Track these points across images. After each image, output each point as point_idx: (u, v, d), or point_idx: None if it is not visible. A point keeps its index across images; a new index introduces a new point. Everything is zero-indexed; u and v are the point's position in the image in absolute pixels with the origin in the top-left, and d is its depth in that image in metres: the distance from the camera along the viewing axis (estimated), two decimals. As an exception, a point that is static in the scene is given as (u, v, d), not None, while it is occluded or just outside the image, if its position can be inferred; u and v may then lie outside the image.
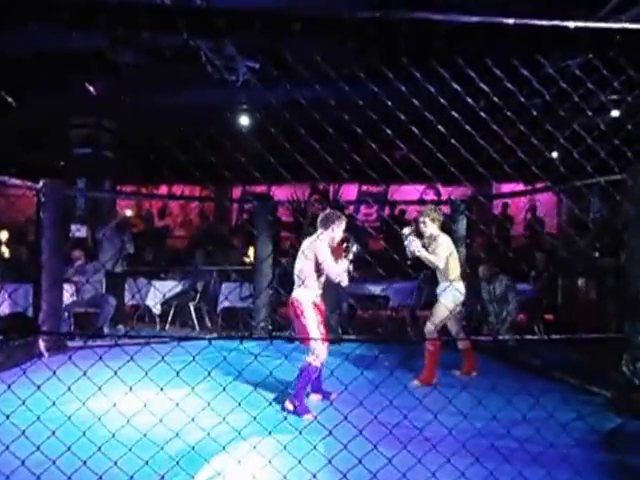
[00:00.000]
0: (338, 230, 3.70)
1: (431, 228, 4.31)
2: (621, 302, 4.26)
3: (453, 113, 1.97)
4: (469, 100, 2.00)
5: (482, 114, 2.06)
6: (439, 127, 2.01)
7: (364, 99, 2.07)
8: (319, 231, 3.72)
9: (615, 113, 6.90)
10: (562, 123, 2.39)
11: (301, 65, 1.91)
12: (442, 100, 1.95)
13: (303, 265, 3.61)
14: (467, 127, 2.02)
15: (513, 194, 7.02)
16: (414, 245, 4.11)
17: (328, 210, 3.89)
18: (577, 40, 1.56)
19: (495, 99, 2.01)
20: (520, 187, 7.90)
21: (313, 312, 3.57)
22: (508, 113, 2.09)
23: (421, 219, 4.34)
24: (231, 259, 7.60)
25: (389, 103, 1.98)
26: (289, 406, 3.39)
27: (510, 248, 8.39)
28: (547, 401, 2.98)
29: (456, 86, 1.92)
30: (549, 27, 1.56)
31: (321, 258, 3.55)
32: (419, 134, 2.03)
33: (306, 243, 3.70)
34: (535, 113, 2.14)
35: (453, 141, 2.04)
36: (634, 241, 3.85)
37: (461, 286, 4.39)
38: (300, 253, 3.69)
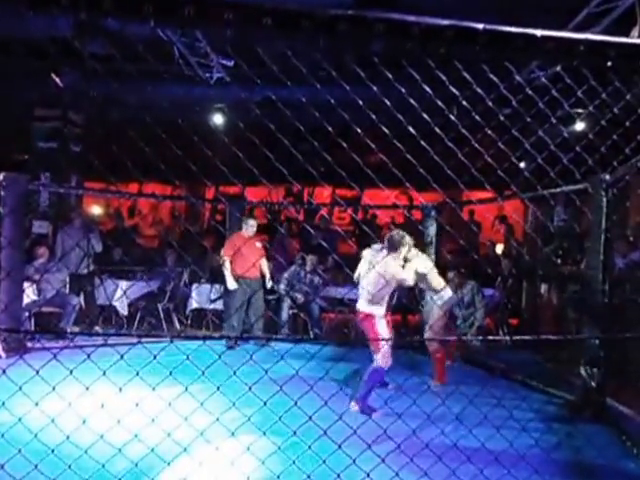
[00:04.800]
0: (404, 251, 3.96)
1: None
2: (580, 307, 4.40)
3: (424, 115, 1.99)
4: (439, 103, 2.03)
5: (452, 117, 2.10)
6: (410, 129, 2.03)
7: (340, 102, 2.07)
8: (389, 253, 3.87)
9: (580, 125, 7.15)
10: (529, 132, 2.46)
11: (275, 64, 1.89)
12: (412, 102, 1.97)
13: (379, 286, 3.79)
14: (437, 130, 2.05)
15: (482, 201, 7.17)
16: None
17: (394, 232, 4.05)
18: (543, 48, 1.60)
19: (465, 103, 2.04)
20: (487, 195, 8.09)
21: (385, 325, 3.95)
22: (477, 117, 2.13)
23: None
24: (202, 260, 7.48)
25: (360, 102, 1.98)
26: (354, 407, 3.77)
27: (478, 254, 8.57)
28: (508, 402, 3.04)
29: (426, 88, 1.94)
30: (517, 34, 1.60)
31: (419, 277, 4.02)
32: (390, 135, 2.04)
33: (381, 267, 3.77)
34: (503, 118, 2.18)
35: (423, 143, 2.06)
36: (593, 248, 3.99)
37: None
38: (374, 273, 3.81)
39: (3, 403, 2.09)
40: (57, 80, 6.07)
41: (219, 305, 6.66)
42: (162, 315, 6.66)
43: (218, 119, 8.00)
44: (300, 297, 6.62)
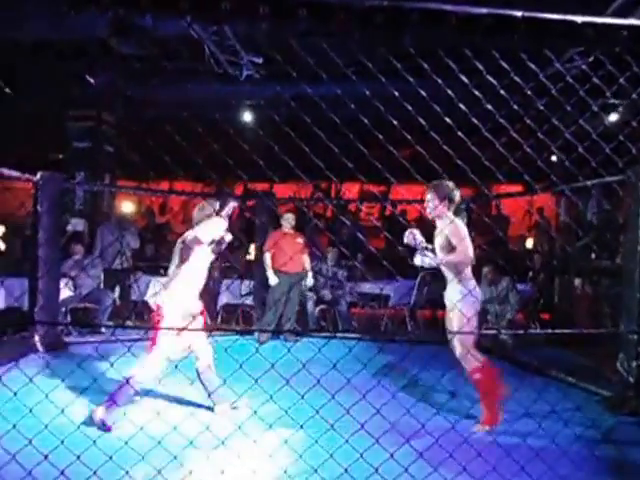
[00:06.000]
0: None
1: None
2: (615, 302, 4.26)
3: (461, 106, 1.95)
4: (476, 92, 1.99)
5: (489, 107, 2.05)
6: (447, 121, 1.99)
7: (368, 97, 2.05)
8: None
9: (613, 117, 6.90)
10: (565, 123, 2.38)
11: (304, 61, 1.89)
12: (450, 93, 1.94)
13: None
14: (474, 120, 2.01)
15: (514, 194, 7.01)
16: None
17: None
18: (584, 35, 1.55)
19: (502, 92, 1.99)
20: (514, 188, 7.88)
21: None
22: (515, 107, 2.08)
23: None
24: (234, 256, 7.58)
25: (396, 94, 1.96)
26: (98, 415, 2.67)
27: (508, 248, 8.41)
28: (545, 398, 2.97)
29: (463, 78, 1.91)
30: (557, 21, 1.55)
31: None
32: (427, 128, 2.01)
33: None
34: (542, 107, 2.13)
35: (460, 134, 2.02)
36: (630, 241, 3.86)
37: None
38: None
39: (47, 395, 2.15)
40: (91, 80, 6.22)
41: (249, 300, 6.74)
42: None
43: (247, 116, 8.08)
44: (327, 294, 6.61)
